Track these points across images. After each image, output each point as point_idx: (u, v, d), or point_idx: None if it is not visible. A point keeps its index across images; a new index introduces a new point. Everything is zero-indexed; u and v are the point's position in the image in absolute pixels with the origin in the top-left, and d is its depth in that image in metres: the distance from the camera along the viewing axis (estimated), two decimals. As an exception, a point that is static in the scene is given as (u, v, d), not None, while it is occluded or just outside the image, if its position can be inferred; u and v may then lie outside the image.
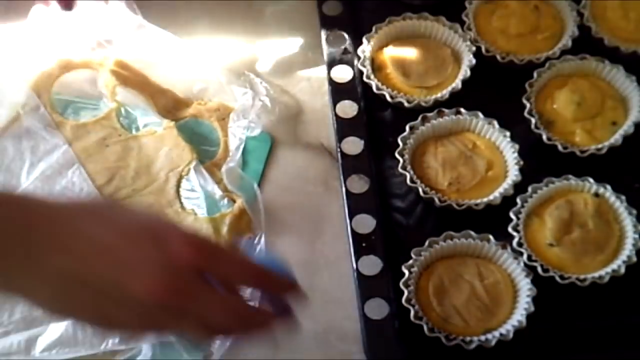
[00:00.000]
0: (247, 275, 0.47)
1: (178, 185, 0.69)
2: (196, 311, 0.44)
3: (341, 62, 0.74)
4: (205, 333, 0.46)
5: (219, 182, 0.69)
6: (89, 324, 0.47)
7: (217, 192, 0.68)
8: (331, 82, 0.74)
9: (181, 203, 0.68)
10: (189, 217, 0.67)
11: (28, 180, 0.68)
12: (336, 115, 0.71)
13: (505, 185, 0.66)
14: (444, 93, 0.71)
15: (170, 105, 0.74)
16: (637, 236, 0.63)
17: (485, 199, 0.66)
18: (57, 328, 0.60)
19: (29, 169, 0.69)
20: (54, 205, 0.45)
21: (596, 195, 0.66)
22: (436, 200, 0.65)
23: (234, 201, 0.68)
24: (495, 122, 0.69)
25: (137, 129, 0.72)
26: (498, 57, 0.73)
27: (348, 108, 0.72)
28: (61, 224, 0.43)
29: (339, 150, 0.69)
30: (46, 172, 0.69)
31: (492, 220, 0.65)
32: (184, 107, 0.74)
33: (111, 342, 0.59)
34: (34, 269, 0.42)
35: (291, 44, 0.79)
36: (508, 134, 0.68)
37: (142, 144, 0.71)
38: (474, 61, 0.72)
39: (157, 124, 0.72)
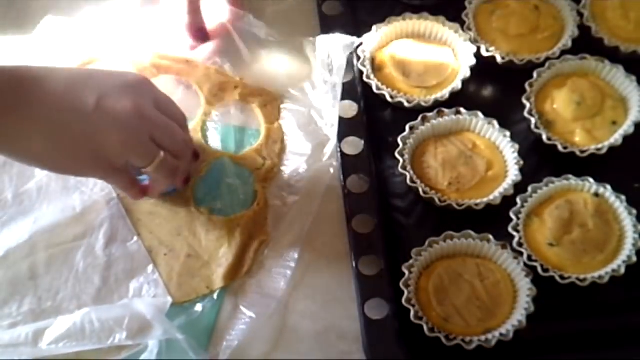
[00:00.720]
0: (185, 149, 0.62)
1: (193, 185, 0.68)
2: (153, 130, 0.57)
3: (341, 62, 0.75)
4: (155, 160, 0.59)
5: (259, 167, 0.69)
6: (80, 165, 0.57)
7: (249, 183, 0.68)
8: (331, 82, 0.74)
9: (195, 202, 0.67)
10: (202, 217, 0.66)
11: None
12: (336, 115, 0.72)
13: (505, 185, 0.66)
14: (444, 93, 0.71)
15: (215, 89, 0.73)
16: (637, 236, 0.63)
17: (485, 199, 0.66)
18: (65, 321, 0.60)
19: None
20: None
21: (596, 195, 0.66)
22: (436, 200, 0.65)
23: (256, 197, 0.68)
24: (495, 122, 0.69)
25: None
26: (498, 57, 0.73)
27: (348, 108, 0.72)
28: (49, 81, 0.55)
29: (339, 150, 0.69)
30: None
31: (492, 220, 0.65)
32: (231, 89, 0.73)
33: (118, 338, 0.59)
34: (27, 123, 0.53)
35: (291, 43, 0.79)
36: (508, 134, 0.68)
37: None
38: (474, 61, 0.72)
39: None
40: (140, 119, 0.57)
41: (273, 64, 0.75)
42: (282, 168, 0.70)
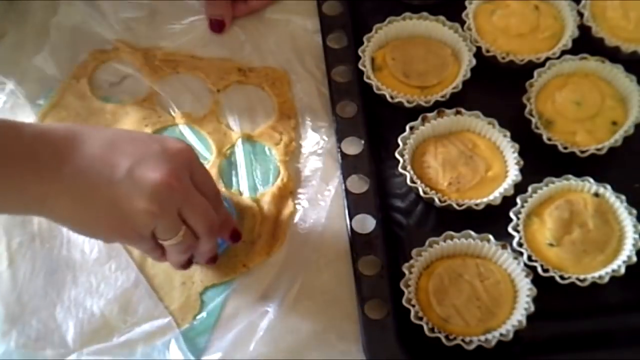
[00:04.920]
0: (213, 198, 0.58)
1: (220, 167, 0.70)
2: (182, 205, 0.54)
3: (341, 62, 0.75)
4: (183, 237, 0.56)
5: (277, 143, 0.71)
6: (105, 229, 0.55)
7: (271, 161, 0.71)
8: (331, 82, 0.74)
9: (225, 184, 0.69)
10: (233, 197, 0.68)
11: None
12: (336, 115, 0.72)
13: (505, 185, 0.66)
14: (444, 93, 0.71)
15: (221, 73, 0.75)
16: (637, 236, 0.63)
17: (485, 199, 0.66)
18: None
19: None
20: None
21: (596, 195, 0.66)
22: (436, 200, 0.65)
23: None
24: (495, 122, 0.69)
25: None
26: (498, 57, 0.73)
27: (348, 108, 0.72)
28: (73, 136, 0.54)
29: (339, 150, 0.69)
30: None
31: (492, 220, 0.65)
32: (235, 72, 0.76)
33: None
34: (57, 183, 0.52)
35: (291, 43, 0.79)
36: (508, 134, 0.68)
37: (181, 131, 0.72)
38: (474, 61, 0.72)
39: (198, 109, 0.74)
40: (170, 191, 0.53)
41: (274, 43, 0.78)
42: (301, 142, 0.72)
